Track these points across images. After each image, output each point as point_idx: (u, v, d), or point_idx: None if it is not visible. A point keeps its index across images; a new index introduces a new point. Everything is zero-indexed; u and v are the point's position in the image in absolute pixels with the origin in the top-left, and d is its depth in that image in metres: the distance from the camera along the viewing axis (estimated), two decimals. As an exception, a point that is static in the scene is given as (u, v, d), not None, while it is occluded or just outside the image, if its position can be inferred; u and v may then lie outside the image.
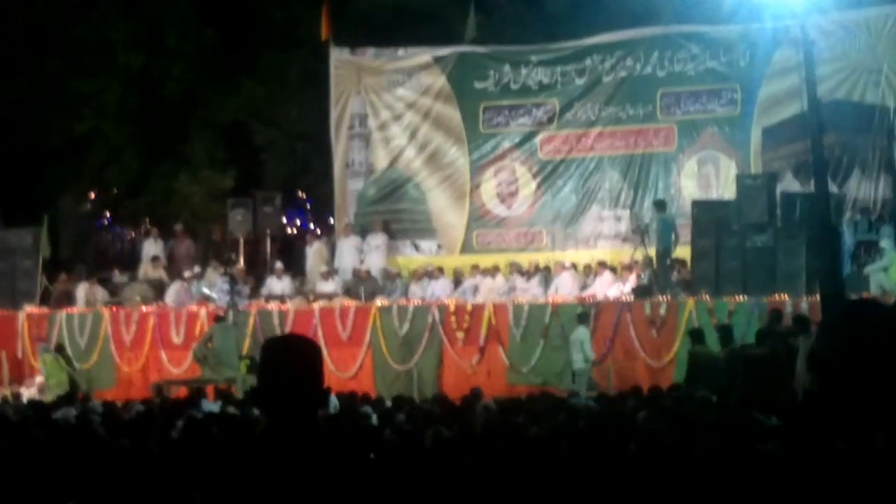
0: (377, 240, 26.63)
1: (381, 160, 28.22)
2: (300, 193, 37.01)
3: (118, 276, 27.20)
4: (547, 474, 7.92)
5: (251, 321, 23.07)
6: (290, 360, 3.85)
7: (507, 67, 27.43)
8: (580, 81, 26.92)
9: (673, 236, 22.63)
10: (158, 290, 25.33)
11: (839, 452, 2.96)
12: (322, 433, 3.92)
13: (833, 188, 21.35)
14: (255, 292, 25.01)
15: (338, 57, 28.36)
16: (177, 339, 23.59)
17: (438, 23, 29.67)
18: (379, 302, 23.36)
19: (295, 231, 36.22)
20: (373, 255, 26.34)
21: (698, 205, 22.86)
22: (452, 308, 22.49)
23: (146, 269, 26.68)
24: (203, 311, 23.59)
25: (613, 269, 23.69)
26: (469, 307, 22.46)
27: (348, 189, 28.37)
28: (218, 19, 31.90)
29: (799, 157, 22.85)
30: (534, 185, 27.06)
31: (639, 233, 23.40)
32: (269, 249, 27.19)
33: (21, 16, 30.97)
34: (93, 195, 34.13)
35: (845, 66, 24.33)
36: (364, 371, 22.58)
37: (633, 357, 20.95)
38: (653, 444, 8.22)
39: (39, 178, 31.70)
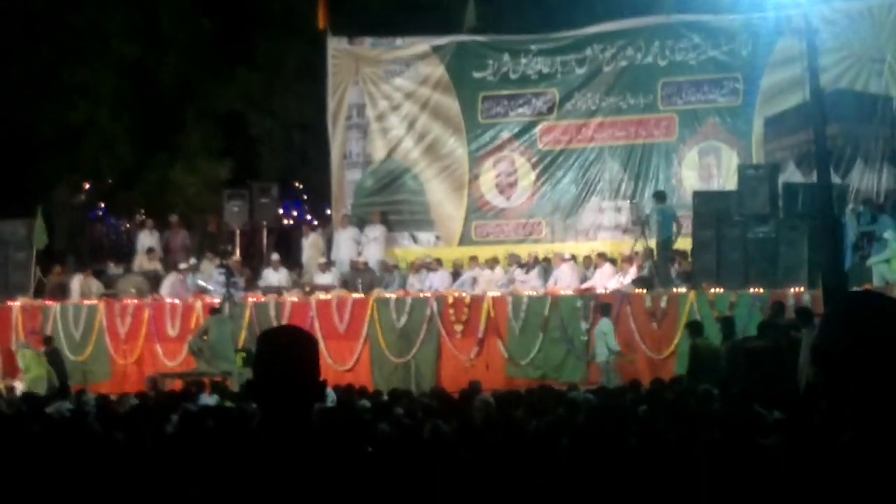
0: (375, 231, 26.62)
1: (378, 151, 28.20)
2: (297, 184, 36.98)
3: (113, 268, 27.19)
4: (546, 469, 7.92)
5: (247, 314, 23.07)
6: (286, 352, 3.84)
7: (506, 57, 27.39)
8: (580, 71, 26.88)
9: (674, 227, 22.62)
10: (154, 282, 25.31)
11: (841, 447, 2.95)
12: (319, 427, 3.91)
13: (836, 179, 21.35)
14: (251, 284, 24.99)
15: (335, 46, 28.32)
16: (172, 331, 23.60)
17: (437, 12, 29.62)
18: (376, 294, 23.36)
19: (292, 222, 36.18)
20: (370, 246, 26.33)
21: (699, 196, 22.85)
22: (451, 300, 22.50)
23: (141, 261, 26.66)
24: (199, 304, 23.59)
25: (613, 261, 23.69)
26: (468, 299, 22.47)
27: (346, 180, 28.35)
28: (214, 8, 31.86)
29: (801, 147, 22.86)
30: (533, 175, 27.03)
31: (639, 224, 23.40)
32: (265, 241, 27.18)
33: (14, 4, 30.90)
34: (87, 186, 34.08)
35: (848, 56, 24.30)
36: (361, 364, 22.59)
37: (634, 350, 20.97)
38: (653, 438, 8.22)
39: (33, 168, 31.66)
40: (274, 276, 24.98)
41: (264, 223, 27.17)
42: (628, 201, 25.65)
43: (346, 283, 24.60)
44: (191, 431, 9.82)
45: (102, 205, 35.83)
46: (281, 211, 32.25)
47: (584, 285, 22.97)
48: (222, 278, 23.82)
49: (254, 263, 26.70)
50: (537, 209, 26.91)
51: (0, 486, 8.36)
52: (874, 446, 2.92)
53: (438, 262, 24.98)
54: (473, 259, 24.94)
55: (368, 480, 3.76)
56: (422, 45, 27.98)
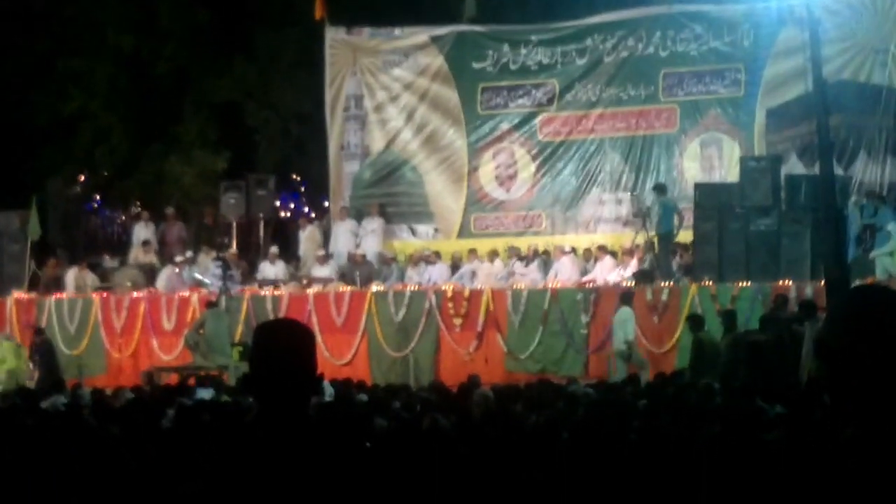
0: (373, 224, 26.61)
1: (377, 142, 28.17)
2: (294, 176, 36.95)
3: (108, 261, 27.18)
4: (546, 463, 7.92)
5: (244, 307, 23.08)
6: (282, 345, 3.84)
7: (506, 47, 27.35)
8: (581, 62, 26.85)
9: (676, 220, 22.63)
10: (149, 275, 25.32)
11: (843, 443, 2.95)
12: (316, 421, 3.91)
13: (839, 171, 21.34)
14: (248, 277, 25.00)
15: (333, 37, 28.28)
16: (168, 325, 23.61)
17: (436, 2, 29.58)
18: (374, 287, 23.37)
19: (289, 215, 36.16)
20: (368, 239, 26.33)
21: (701, 188, 22.85)
22: (450, 293, 22.51)
23: (137, 254, 26.66)
24: (195, 297, 23.59)
25: (614, 254, 23.70)
26: (466, 293, 22.48)
27: (344, 172, 28.33)
28: (210, -3, 31.83)
29: (804, 138, 22.84)
30: (533, 167, 27.01)
31: (640, 216, 23.41)
32: (262, 233, 27.17)
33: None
34: (82, 177, 34.04)
35: (851, 46, 24.28)
36: (359, 358, 22.61)
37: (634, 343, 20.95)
38: (654, 433, 8.22)
39: (27, 159, 31.62)
40: (271, 268, 24.96)
41: (261, 215, 27.16)
42: (629, 193, 25.64)
43: (344, 276, 24.60)
44: (186, 426, 9.82)
45: (98, 196, 35.79)
46: (278, 203, 32.22)
47: (585, 278, 22.98)
48: (219, 271, 23.83)
49: (250, 256, 26.70)
50: (537, 201, 26.89)
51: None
52: (876, 443, 2.91)
53: (437, 254, 24.98)
54: (472, 252, 24.93)
55: (366, 475, 3.76)
56: (421, 35, 27.95)
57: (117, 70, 31.87)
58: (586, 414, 10.04)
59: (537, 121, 27.09)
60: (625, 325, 20.11)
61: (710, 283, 21.01)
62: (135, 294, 24.21)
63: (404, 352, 22.40)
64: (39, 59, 31.21)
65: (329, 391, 14.06)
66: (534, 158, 27.02)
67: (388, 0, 29.96)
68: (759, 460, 6.59)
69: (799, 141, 23.51)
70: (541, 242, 25.57)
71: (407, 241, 27.20)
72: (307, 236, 26.65)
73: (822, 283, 18.94)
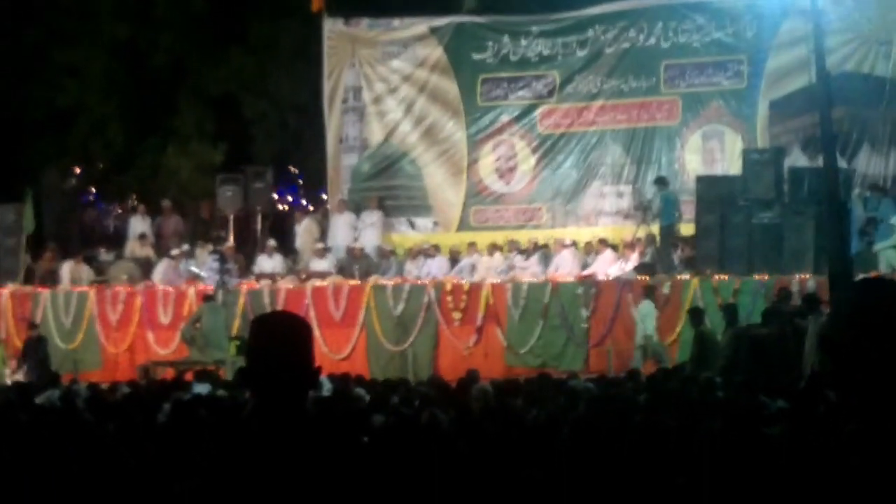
0: (372, 217, 26.60)
1: (375, 135, 28.15)
2: (292, 169, 36.94)
3: (104, 254, 27.15)
4: (546, 459, 7.91)
5: (241, 301, 23.06)
6: (279, 337, 3.83)
7: (506, 38, 27.33)
8: (581, 53, 26.83)
9: (676, 214, 22.62)
10: (145, 268, 25.30)
11: (846, 438, 2.94)
12: (313, 415, 3.90)
13: (842, 163, 21.33)
14: (245, 271, 24.98)
15: (331, 28, 28.26)
16: (164, 319, 23.59)
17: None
18: (373, 281, 23.35)
19: (287, 208, 36.16)
20: (367, 232, 26.32)
21: (703, 180, 22.85)
22: (449, 287, 22.49)
23: (133, 247, 26.64)
24: (191, 291, 23.58)
25: (615, 247, 23.69)
26: (466, 286, 22.47)
27: (342, 164, 28.32)
28: (207, -13, 31.79)
29: (807, 130, 22.83)
30: (533, 160, 26.99)
31: (641, 209, 23.41)
32: (259, 226, 27.14)
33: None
34: (78, 170, 34.03)
35: (855, 38, 24.26)
36: (357, 352, 22.60)
37: (634, 338, 20.95)
38: (655, 428, 8.22)
39: (22, 152, 31.60)
40: (268, 262, 24.96)
41: (258, 208, 27.13)
42: (630, 186, 25.64)
43: (343, 270, 24.59)
44: (183, 421, 9.82)
45: (93, 189, 35.79)
46: (275, 196, 32.22)
47: (585, 272, 22.97)
48: (216, 265, 23.81)
49: (248, 249, 26.67)
50: (537, 194, 26.87)
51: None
52: (879, 438, 2.90)
53: (436, 248, 24.98)
54: (472, 245, 24.93)
55: (364, 470, 3.75)
56: (420, 26, 27.92)
57: (113, 61, 31.84)
58: (587, 409, 10.04)
59: (538, 113, 27.07)
60: (645, 319, 20.09)
61: (712, 276, 21.00)
62: (131, 288, 24.19)
63: (403, 346, 22.40)
64: (34, 50, 31.17)
65: (327, 386, 14.05)
66: (534, 151, 27.00)
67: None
68: (760, 455, 6.58)
69: (802, 133, 23.49)
70: (541, 236, 25.58)
71: (406, 235, 27.18)
72: (303, 229, 26.63)
73: (826, 276, 18.94)
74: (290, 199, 37.87)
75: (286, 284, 23.62)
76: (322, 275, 24.11)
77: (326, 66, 28.25)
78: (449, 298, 22.35)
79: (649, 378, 14.02)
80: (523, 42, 27.18)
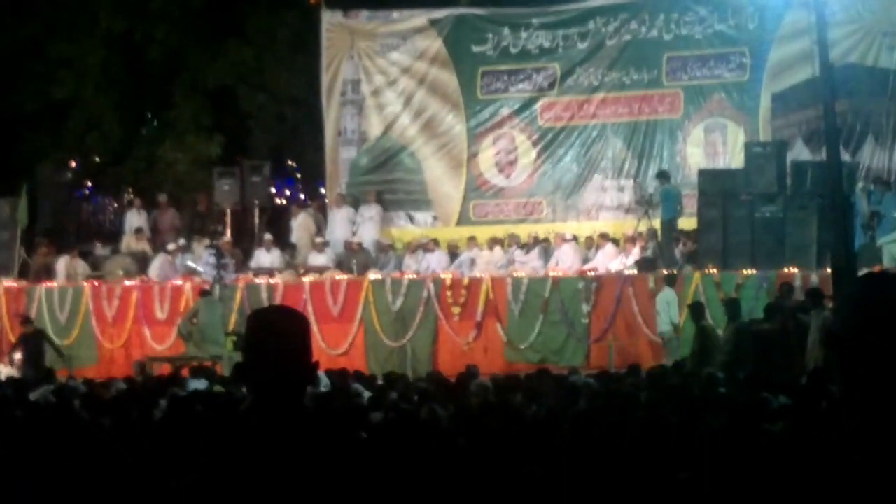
0: (370, 211, 26.59)
1: (374, 128, 28.13)
2: (290, 162, 36.90)
3: (100, 249, 27.15)
4: (546, 456, 7.90)
5: (238, 296, 23.06)
6: (275, 331, 3.83)
7: (506, 30, 27.30)
8: (582, 45, 26.80)
9: (678, 207, 22.62)
10: (142, 263, 25.29)
11: (849, 434, 2.93)
12: (311, 411, 3.90)
13: (845, 156, 21.31)
14: (242, 265, 24.97)
15: (329, 19, 28.22)
16: (161, 314, 23.59)
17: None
18: (372, 275, 23.35)
19: (284, 201, 36.13)
20: (366, 226, 26.31)
21: (705, 174, 22.84)
22: (448, 282, 22.49)
23: (129, 242, 26.63)
24: (188, 286, 23.58)
25: (616, 242, 23.70)
26: (466, 281, 22.47)
27: (340, 158, 28.29)
28: (204, -21, 31.74)
29: (810, 123, 22.83)
30: (533, 153, 26.97)
31: (643, 203, 23.41)
32: (257, 221, 27.13)
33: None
34: (73, 164, 33.99)
35: (859, 29, 24.25)
36: (356, 348, 22.60)
37: (635, 333, 20.98)
38: (657, 424, 8.21)
39: (17, 146, 31.56)
40: (266, 256, 24.95)
41: (256, 202, 27.12)
42: (632, 180, 25.63)
43: (341, 264, 24.57)
44: (179, 417, 9.81)
45: (89, 183, 35.75)
46: (273, 190, 32.20)
47: (586, 266, 22.98)
48: (212, 259, 23.81)
49: (245, 244, 26.67)
50: (538, 188, 26.86)
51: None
52: (882, 435, 2.90)
53: (435, 242, 24.97)
54: (472, 239, 24.92)
55: (362, 466, 3.75)
56: (419, 18, 27.88)
57: (109, 54, 31.78)
58: (587, 404, 10.04)
59: (538, 106, 27.04)
60: (669, 307, 20.04)
61: (714, 270, 21.00)
62: (127, 283, 24.18)
63: (402, 341, 22.40)
64: (29, 43, 31.12)
65: (325, 382, 14.06)
66: (534, 144, 26.98)
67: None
68: (763, 452, 6.58)
69: (805, 126, 23.48)
70: (541, 230, 25.56)
71: (405, 229, 27.17)
72: (299, 224, 26.59)
73: (829, 270, 18.94)
74: (287, 192, 37.83)
75: (284, 279, 23.61)
76: (320, 269, 24.11)
77: (325, 59, 28.22)
78: (448, 293, 22.35)
79: (650, 374, 14.03)
80: (524, 34, 27.15)
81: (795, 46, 23.82)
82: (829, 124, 18.90)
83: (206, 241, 25.21)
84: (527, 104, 27.14)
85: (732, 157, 24.85)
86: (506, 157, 27.27)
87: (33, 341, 22.44)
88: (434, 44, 27.69)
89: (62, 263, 25.22)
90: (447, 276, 22.81)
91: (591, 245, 24.14)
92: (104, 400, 12.09)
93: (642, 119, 26.25)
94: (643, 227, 23.03)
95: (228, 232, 26.26)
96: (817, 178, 20.41)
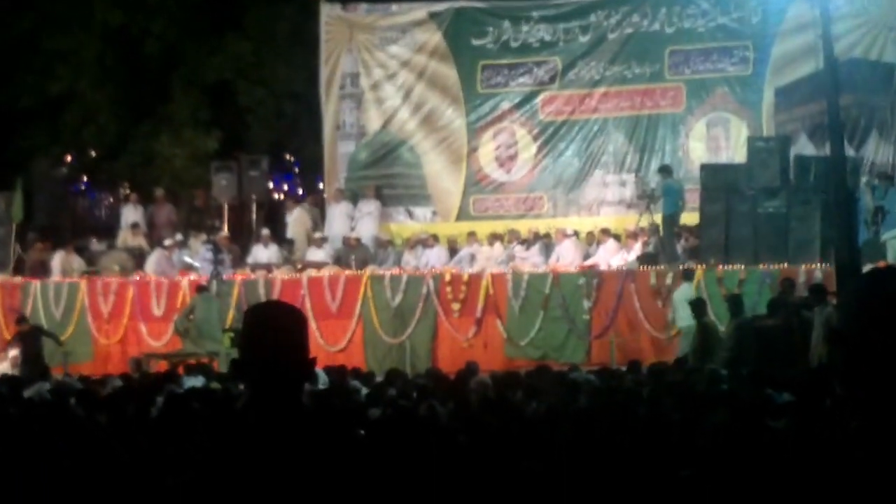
0: (369, 206, 26.58)
1: (373, 122, 28.12)
2: (288, 157, 36.91)
3: (96, 244, 27.16)
4: (546, 452, 7.90)
5: (235, 292, 23.04)
6: (272, 327, 3.82)
7: (506, 24, 27.29)
8: (584, 39, 26.79)
9: (680, 203, 22.61)
10: (138, 258, 25.28)
11: (852, 431, 2.93)
12: (309, 408, 3.89)
13: (849, 151, 21.29)
14: (239, 261, 24.96)
15: (328, 13, 28.21)
16: (157, 310, 23.57)
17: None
18: (370, 271, 23.34)
19: (282, 196, 36.14)
20: (364, 221, 26.30)
21: (707, 169, 22.83)
22: (448, 278, 22.47)
23: (125, 237, 26.64)
24: (185, 281, 23.56)
25: (617, 237, 23.71)
26: (465, 277, 22.45)
27: (339, 152, 28.28)
28: (201, -28, 31.74)
29: (814, 118, 22.82)
30: (534, 148, 26.98)
31: (644, 198, 23.40)
32: (254, 216, 27.13)
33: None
34: (69, 158, 34.00)
35: (863, 23, 24.25)
36: (354, 344, 22.59)
37: (637, 329, 20.98)
38: (658, 421, 8.22)
39: (12, 140, 31.57)
40: (263, 252, 24.94)
41: (253, 197, 27.09)
42: (633, 175, 25.63)
43: (339, 260, 24.57)
44: (176, 414, 9.81)
45: (85, 178, 35.76)
46: (271, 184, 32.20)
47: (587, 262, 22.97)
48: (209, 255, 23.80)
49: (242, 239, 26.67)
50: (538, 183, 26.87)
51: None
52: (885, 433, 2.89)
53: (435, 238, 24.96)
54: (472, 235, 24.92)
55: (361, 464, 3.74)
56: (418, 11, 27.87)
57: (105, 48, 31.78)
58: (588, 402, 10.04)
59: (539, 100, 27.04)
60: (686, 303, 19.97)
61: (717, 266, 20.99)
62: (123, 278, 24.17)
63: (401, 338, 22.38)
64: (25, 36, 31.11)
65: (323, 378, 14.06)
66: (535, 139, 26.98)
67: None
68: (766, 449, 6.58)
69: (808, 121, 23.48)
70: (542, 225, 25.57)
71: (404, 224, 27.18)
72: (295, 219, 26.57)
73: (832, 266, 18.94)
74: (285, 187, 37.84)
75: (282, 275, 23.60)
76: (318, 265, 24.10)
77: (323, 52, 28.21)
78: (448, 289, 22.33)
79: (652, 370, 14.03)
80: (524, 27, 27.14)
81: (799, 40, 23.80)
82: (832, 119, 18.89)
83: (203, 237, 25.21)
84: (527, 98, 27.13)
85: (735, 151, 24.86)
86: (506, 152, 27.27)
87: (29, 339, 22.42)
88: (433, 37, 27.68)
89: (58, 259, 25.21)
90: (447, 272, 22.79)
91: (592, 240, 24.15)
92: (100, 397, 12.07)
93: (644, 113, 26.25)
94: (645, 223, 23.03)
95: (226, 227, 26.25)
96: (821, 173, 20.40)
